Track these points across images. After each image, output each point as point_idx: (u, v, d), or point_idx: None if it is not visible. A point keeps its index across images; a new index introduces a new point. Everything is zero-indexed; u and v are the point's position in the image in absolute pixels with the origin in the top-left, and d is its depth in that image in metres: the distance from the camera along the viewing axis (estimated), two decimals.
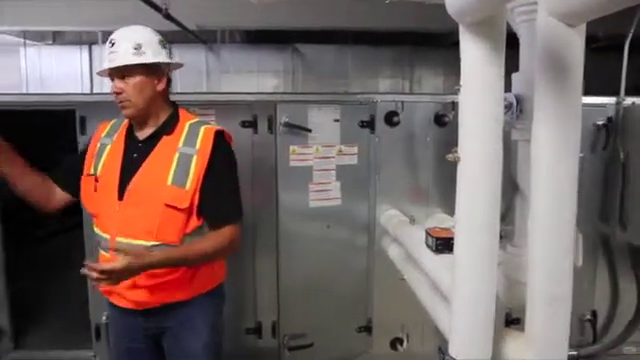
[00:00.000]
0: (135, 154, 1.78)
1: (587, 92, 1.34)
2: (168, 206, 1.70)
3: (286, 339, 2.81)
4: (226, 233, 1.76)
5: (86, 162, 1.89)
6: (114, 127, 1.90)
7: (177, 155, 1.73)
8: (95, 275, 1.54)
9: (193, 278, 1.80)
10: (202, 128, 1.80)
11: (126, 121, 1.86)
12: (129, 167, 1.76)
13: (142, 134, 1.81)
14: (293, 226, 2.77)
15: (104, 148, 1.85)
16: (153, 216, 1.70)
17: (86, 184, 1.85)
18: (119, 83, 1.72)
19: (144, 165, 1.74)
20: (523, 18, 1.59)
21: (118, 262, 1.56)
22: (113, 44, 1.72)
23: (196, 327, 1.84)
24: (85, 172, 1.86)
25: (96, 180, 1.81)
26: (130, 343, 1.88)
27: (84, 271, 1.55)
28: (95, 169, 1.83)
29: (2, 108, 2.86)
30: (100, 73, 1.81)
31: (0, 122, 2.82)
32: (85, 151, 1.94)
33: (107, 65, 1.73)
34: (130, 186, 1.72)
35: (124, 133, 1.85)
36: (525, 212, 1.53)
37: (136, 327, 1.84)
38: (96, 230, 1.82)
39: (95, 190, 1.81)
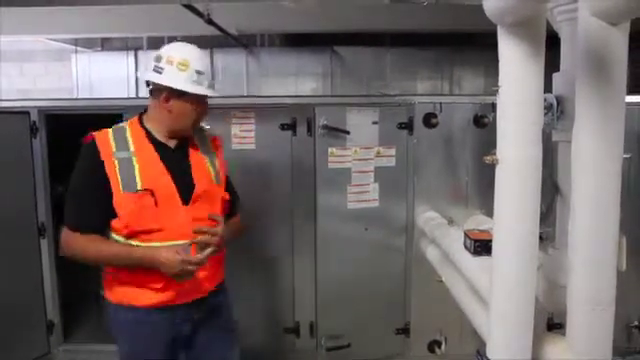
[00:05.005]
0: (176, 161, 1.81)
1: (632, 91, 1.31)
2: (224, 200, 1.96)
3: (323, 339, 2.84)
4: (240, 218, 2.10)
5: (112, 183, 1.70)
6: (119, 139, 1.76)
7: (207, 158, 1.92)
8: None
9: (219, 265, 1.96)
10: (206, 134, 1.99)
11: (129, 130, 1.79)
12: (177, 174, 1.79)
13: (171, 142, 1.84)
14: (331, 228, 2.79)
15: (128, 162, 1.72)
16: (218, 212, 1.91)
17: (138, 202, 1.70)
18: None
19: (195, 170, 1.86)
20: (564, 17, 1.56)
21: (220, 229, 1.81)
22: None
23: (225, 313, 2.02)
24: (118, 192, 1.69)
25: (152, 194, 1.72)
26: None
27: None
28: (135, 184, 1.71)
29: (57, 112, 3.02)
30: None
31: (54, 125, 3.02)
32: (98, 185, 1.70)
33: None
34: (196, 191, 1.81)
35: (147, 142, 1.79)
36: (566, 214, 1.49)
37: (163, 329, 1.81)
38: (156, 244, 1.72)
39: (156, 204, 1.72)
